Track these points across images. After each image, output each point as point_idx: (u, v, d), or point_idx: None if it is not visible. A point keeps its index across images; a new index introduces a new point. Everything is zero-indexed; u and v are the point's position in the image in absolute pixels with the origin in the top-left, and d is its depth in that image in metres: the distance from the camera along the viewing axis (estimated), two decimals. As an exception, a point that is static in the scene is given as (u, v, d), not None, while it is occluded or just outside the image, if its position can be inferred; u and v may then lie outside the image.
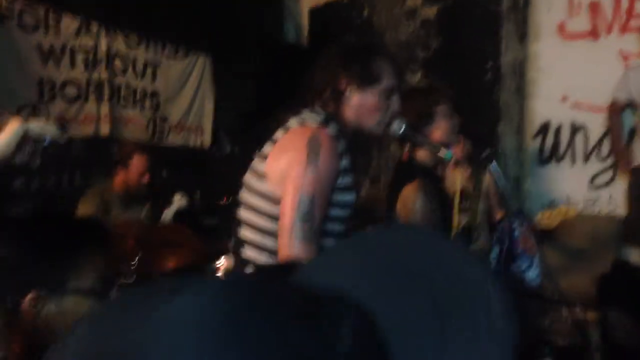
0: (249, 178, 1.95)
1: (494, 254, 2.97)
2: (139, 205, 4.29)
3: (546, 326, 4.40)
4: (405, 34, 5.58)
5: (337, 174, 1.85)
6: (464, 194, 3.97)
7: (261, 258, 1.87)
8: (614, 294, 3.01)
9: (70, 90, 5.11)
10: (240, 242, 1.92)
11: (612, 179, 4.66)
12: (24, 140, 1.82)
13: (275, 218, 1.84)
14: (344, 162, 1.89)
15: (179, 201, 5.39)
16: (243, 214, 1.93)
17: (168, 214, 5.06)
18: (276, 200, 1.84)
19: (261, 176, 1.88)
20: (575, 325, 3.94)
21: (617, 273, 3.29)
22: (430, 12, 5.40)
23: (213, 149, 6.25)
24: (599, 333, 3.16)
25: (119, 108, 5.52)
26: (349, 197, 1.92)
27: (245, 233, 1.91)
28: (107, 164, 5.42)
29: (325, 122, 1.90)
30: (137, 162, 4.13)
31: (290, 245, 1.74)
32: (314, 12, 6.44)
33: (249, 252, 1.89)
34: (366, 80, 1.93)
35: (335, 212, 1.88)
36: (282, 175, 1.82)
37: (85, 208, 4.02)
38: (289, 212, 1.77)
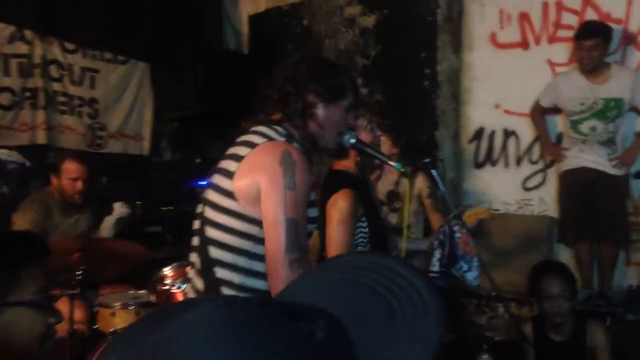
0: (212, 196, 1.90)
1: (437, 256, 3.10)
2: (79, 212, 4.19)
3: (484, 323, 4.59)
4: (345, 42, 5.71)
5: (310, 190, 1.85)
6: (393, 196, 4.13)
7: (235, 278, 1.84)
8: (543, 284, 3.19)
9: (5, 98, 4.98)
10: (212, 262, 1.88)
11: (542, 182, 4.90)
12: None
13: (247, 235, 1.82)
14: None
15: (120, 209, 5.33)
16: (211, 232, 1.88)
17: (109, 222, 4.99)
18: (248, 219, 1.82)
19: (228, 194, 1.84)
20: (511, 321, 4.14)
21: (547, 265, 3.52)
22: (369, 21, 5.54)
23: (153, 156, 6.19)
24: (532, 328, 3.33)
25: (56, 116, 5.41)
26: (314, 212, 1.95)
27: (216, 252, 1.87)
28: (44, 172, 5.31)
29: (289, 137, 1.91)
30: (68, 168, 3.93)
31: (283, 276, 1.72)
32: (254, 19, 6.48)
33: (221, 272, 1.86)
34: (334, 95, 1.96)
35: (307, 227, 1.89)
36: (255, 195, 1.79)
37: (23, 217, 3.90)
38: (276, 242, 1.74)
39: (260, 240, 1.81)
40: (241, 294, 1.83)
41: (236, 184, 1.82)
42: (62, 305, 3.35)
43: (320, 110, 1.95)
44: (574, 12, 4.69)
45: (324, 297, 0.71)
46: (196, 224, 1.98)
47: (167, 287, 3.70)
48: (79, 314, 3.53)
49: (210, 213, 1.90)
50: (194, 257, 1.99)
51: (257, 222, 1.81)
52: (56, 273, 3.77)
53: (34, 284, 1.75)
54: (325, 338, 0.62)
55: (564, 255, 4.70)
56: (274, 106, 1.97)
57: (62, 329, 3.29)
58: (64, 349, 3.22)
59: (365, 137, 2.59)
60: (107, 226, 4.89)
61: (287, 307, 0.63)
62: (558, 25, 4.78)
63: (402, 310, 0.69)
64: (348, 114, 2.02)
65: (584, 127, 4.31)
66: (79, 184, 3.93)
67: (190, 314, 0.57)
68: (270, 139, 1.87)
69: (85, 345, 3.43)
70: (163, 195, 5.79)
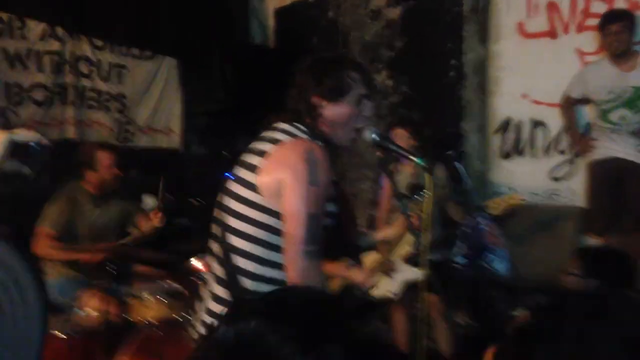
0: (235, 187, 1.97)
1: (462, 248, 3.11)
2: (108, 204, 4.28)
3: (512, 315, 4.57)
4: (370, 34, 5.70)
5: (329, 186, 1.92)
6: (415, 188, 4.13)
7: (252, 267, 1.92)
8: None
9: (38, 94, 5.09)
10: (232, 250, 1.95)
11: (571, 172, 4.85)
12: (12, 148, 1.90)
13: (264, 225, 1.90)
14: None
15: (148, 202, 5.42)
16: (232, 222, 1.96)
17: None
18: (270, 211, 1.89)
19: (252, 187, 1.91)
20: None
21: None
22: (394, 13, 5.53)
23: (182, 149, 6.27)
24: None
25: (85, 111, 5.51)
26: (332, 207, 2.00)
27: (236, 241, 1.95)
28: (74, 167, 5.43)
29: (311, 135, 1.98)
30: (102, 158, 4.08)
31: (300, 266, 1.82)
32: (280, 12, 6.51)
33: (240, 261, 1.93)
34: (336, 93, 1.98)
35: (324, 221, 1.94)
36: (278, 189, 1.86)
37: (51, 208, 4.01)
38: (295, 234, 1.83)
39: (276, 231, 1.89)
40: (258, 283, 1.92)
41: (260, 179, 1.90)
42: (95, 298, 3.46)
43: (326, 110, 1.99)
44: (603, 0, 4.62)
45: None
46: (216, 213, 2.06)
47: (195, 279, 3.78)
48: (110, 306, 3.62)
49: (232, 203, 1.97)
50: (214, 246, 2.06)
51: (276, 214, 1.89)
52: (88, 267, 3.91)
53: None
54: None
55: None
56: (289, 107, 2.04)
57: (96, 320, 3.38)
58: (98, 339, 3.31)
59: None
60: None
61: None
62: (587, 13, 4.72)
63: (11, 313, 0.72)
64: (360, 107, 2.03)
65: (614, 116, 4.26)
66: (116, 170, 4.09)
67: None
68: (293, 136, 1.95)
69: (118, 336, 3.51)
70: (192, 189, 5.86)
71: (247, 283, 1.92)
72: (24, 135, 1.97)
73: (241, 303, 0.68)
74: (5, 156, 1.88)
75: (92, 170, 4.11)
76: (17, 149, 1.91)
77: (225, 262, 1.98)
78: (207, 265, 3.54)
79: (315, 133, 1.99)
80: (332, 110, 1.99)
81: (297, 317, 0.69)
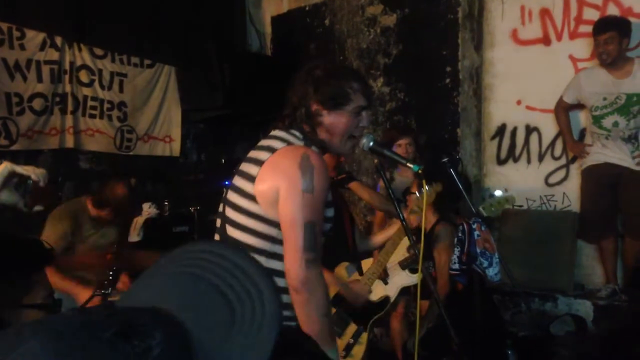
0: (233, 197, 1.99)
1: (456, 253, 3.15)
2: (109, 224, 4.17)
3: (507, 319, 4.61)
4: (366, 41, 5.75)
5: (327, 192, 1.93)
6: (410, 194, 4.18)
7: None
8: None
9: (38, 104, 5.14)
10: None
11: (565, 177, 4.89)
12: (10, 179, 1.92)
13: (265, 236, 1.91)
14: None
15: (148, 210, 5.46)
16: (231, 232, 1.96)
17: (138, 222, 5.12)
18: (269, 221, 1.90)
19: (249, 197, 1.92)
20: (533, 316, 4.16)
21: None
22: (390, 20, 5.58)
23: (181, 157, 6.31)
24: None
25: (85, 120, 5.55)
26: (330, 211, 2.02)
27: None
28: (73, 175, 5.48)
29: (307, 141, 1.99)
30: (121, 203, 3.87)
31: (300, 275, 1.82)
32: (276, 20, 6.56)
33: None
34: (336, 102, 1.99)
35: (323, 227, 1.96)
36: (275, 198, 1.87)
37: (52, 230, 3.77)
38: (294, 243, 1.83)
39: (278, 241, 1.90)
40: None
41: (257, 188, 1.90)
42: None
43: (325, 118, 2.00)
44: (596, 7, 4.67)
45: (171, 297, 0.72)
46: (218, 223, 2.07)
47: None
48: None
49: (231, 213, 1.98)
50: None
51: (276, 224, 1.89)
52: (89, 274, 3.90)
53: (43, 288, 1.87)
54: (162, 353, 0.62)
55: (587, 251, 4.70)
56: (287, 114, 2.05)
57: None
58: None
59: None
60: (137, 227, 5.03)
61: (120, 326, 0.63)
62: (579, 20, 4.77)
63: (242, 314, 0.70)
64: (359, 117, 2.04)
65: (606, 122, 4.30)
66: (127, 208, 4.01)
67: (15, 354, 0.58)
68: (289, 143, 1.96)
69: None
70: (190, 196, 5.91)
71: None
72: (24, 169, 1.98)
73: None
74: (1, 185, 1.90)
75: (106, 206, 3.96)
76: (17, 181, 1.93)
77: None
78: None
79: (312, 140, 2.00)
80: (330, 119, 2.00)
81: None
